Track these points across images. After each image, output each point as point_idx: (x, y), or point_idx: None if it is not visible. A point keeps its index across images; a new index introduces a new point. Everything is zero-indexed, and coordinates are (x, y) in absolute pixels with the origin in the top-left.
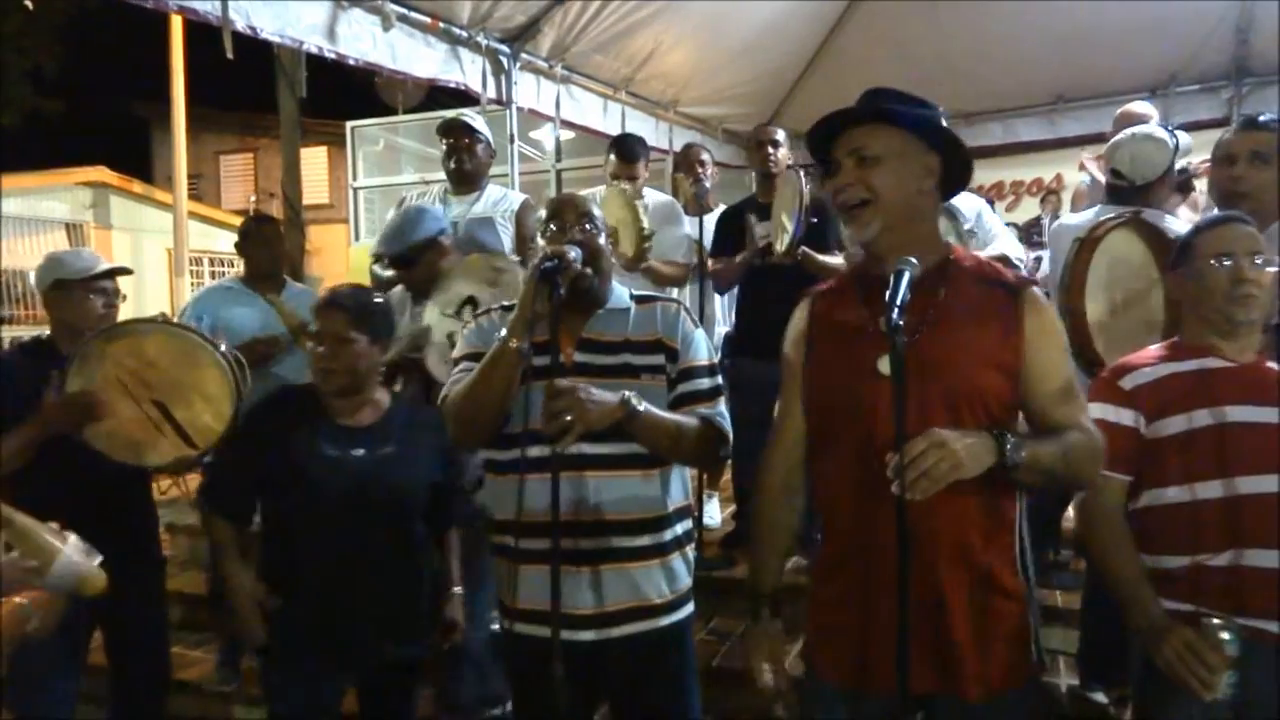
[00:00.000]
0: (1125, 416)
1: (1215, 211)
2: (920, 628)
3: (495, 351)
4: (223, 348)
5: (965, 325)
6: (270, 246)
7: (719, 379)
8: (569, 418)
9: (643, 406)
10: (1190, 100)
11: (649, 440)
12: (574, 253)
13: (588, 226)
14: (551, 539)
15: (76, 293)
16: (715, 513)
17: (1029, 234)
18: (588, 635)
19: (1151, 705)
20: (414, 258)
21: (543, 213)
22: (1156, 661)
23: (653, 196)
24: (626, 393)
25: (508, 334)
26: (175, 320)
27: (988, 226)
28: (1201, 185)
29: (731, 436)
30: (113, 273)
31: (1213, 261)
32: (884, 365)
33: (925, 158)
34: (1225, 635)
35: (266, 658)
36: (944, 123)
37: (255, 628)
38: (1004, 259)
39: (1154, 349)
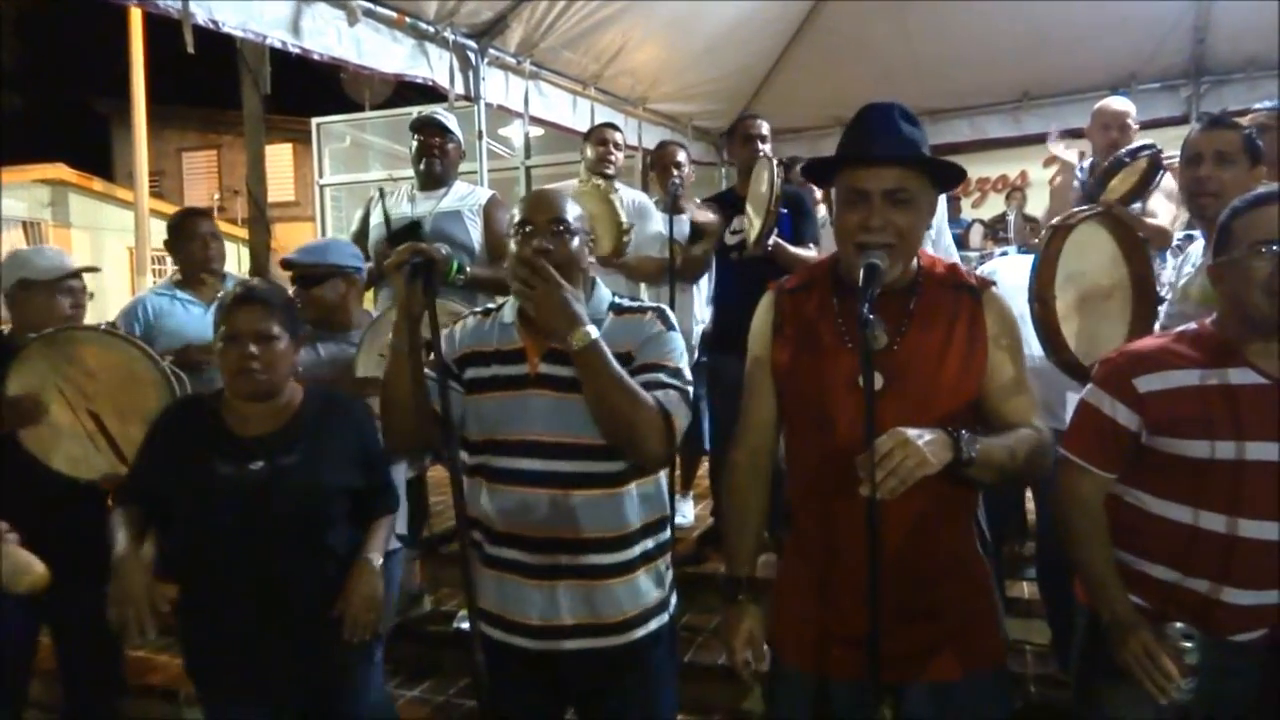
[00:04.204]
0: (1129, 419)
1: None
2: (888, 615)
3: (391, 355)
4: (164, 363)
5: (937, 329)
6: (205, 242)
7: (683, 381)
8: None
9: (605, 348)
10: (1150, 98)
11: (597, 387)
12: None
13: (559, 229)
14: (459, 542)
15: (42, 293)
16: (688, 511)
17: (994, 230)
18: (535, 645)
19: (1093, 690)
20: (323, 277)
21: (516, 212)
22: (1115, 658)
23: (627, 193)
24: (589, 329)
25: (393, 337)
26: (119, 330)
27: (946, 244)
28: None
29: (680, 429)
30: (80, 272)
31: (1260, 249)
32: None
33: (932, 196)
34: (1187, 644)
35: (195, 682)
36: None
37: (143, 617)
38: None
39: (1184, 339)
